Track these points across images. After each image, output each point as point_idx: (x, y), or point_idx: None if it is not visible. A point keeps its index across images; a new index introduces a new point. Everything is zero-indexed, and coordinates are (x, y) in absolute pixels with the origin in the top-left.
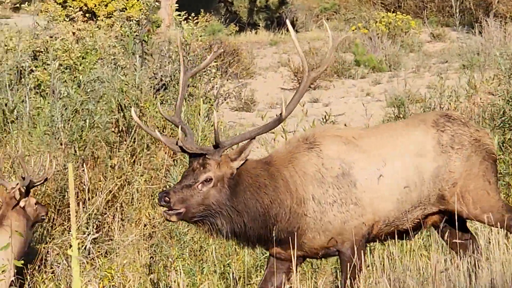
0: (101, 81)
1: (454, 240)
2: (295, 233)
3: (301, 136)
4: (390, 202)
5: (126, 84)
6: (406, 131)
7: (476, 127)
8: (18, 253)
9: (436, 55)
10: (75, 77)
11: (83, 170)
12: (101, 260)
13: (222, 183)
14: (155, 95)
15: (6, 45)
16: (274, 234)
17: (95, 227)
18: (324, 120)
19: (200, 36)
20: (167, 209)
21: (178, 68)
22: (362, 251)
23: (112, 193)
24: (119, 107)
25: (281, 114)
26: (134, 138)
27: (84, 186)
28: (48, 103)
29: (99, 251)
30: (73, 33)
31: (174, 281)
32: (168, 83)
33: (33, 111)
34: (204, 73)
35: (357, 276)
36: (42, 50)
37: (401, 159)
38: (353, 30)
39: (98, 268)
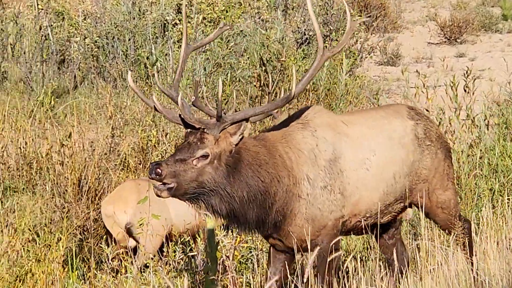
0: (244, 35)
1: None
2: (287, 217)
3: (292, 117)
4: (377, 193)
5: (268, 38)
6: (388, 120)
7: (437, 123)
8: None
9: None
10: None
11: None
12: None
13: (219, 161)
14: (297, 50)
15: None
16: (272, 215)
17: None
18: (466, 75)
19: None
20: (158, 183)
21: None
22: (338, 245)
23: None
24: (261, 61)
25: (289, 93)
26: (276, 92)
27: None
28: (191, 56)
29: None
30: None
31: None
32: (311, 38)
33: (176, 65)
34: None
35: (334, 273)
36: (186, 3)
37: (389, 149)
38: None
39: None
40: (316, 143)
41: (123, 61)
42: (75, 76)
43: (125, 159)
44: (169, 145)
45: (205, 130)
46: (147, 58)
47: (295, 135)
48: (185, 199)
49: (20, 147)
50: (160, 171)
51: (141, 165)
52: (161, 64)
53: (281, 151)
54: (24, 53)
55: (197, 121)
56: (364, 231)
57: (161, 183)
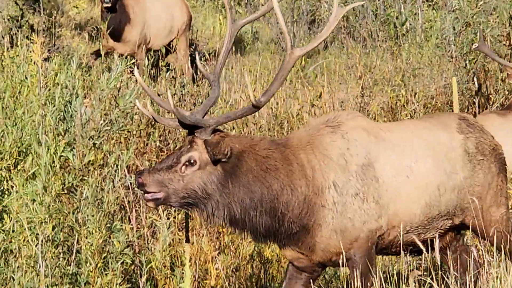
0: None
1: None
2: (310, 229)
3: (322, 120)
4: (418, 204)
5: None
6: (432, 131)
7: (491, 134)
8: None
9: None
10: None
11: (473, 83)
12: None
13: (213, 166)
14: None
15: None
16: (285, 226)
17: None
18: None
19: None
20: (144, 192)
21: None
22: (374, 260)
23: None
24: (510, 20)
25: (255, 102)
26: None
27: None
28: (440, 16)
29: None
30: None
31: None
32: None
33: (425, 24)
34: None
35: None
36: None
37: (433, 157)
38: None
39: None
40: (347, 146)
41: (373, 21)
42: None
43: (375, 118)
44: (417, 105)
45: (196, 135)
46: (396, 18)
47: (322, 139)
48: (179, 208)
49: (271, 107)
50: (141, 181)
51: None
52: (410, 24)
53: (303, 159)
54: (275, 13)
55: (192, 121)
56: (403, 249)
57: (147, 193)
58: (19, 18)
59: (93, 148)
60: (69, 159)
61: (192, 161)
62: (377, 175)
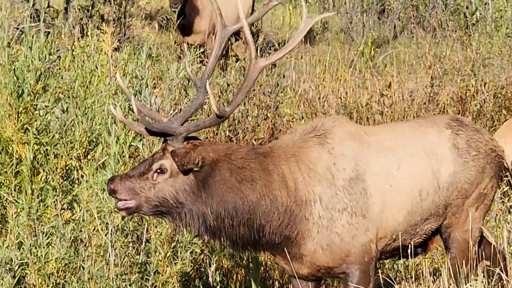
0: None
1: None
2: (294, 240)
3: (308, 127)
4: (401, 213)
5: None
6: (419, 130)
7: (490, 136)
8: None
9: None
10: None
11: None
12: None
13: (185, 174)
14: None
15: None
16: (266, 237)
17: None
18: None
19: None
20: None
21: None
22: (372, 276)
23: None
24: None
25: (220, 113)
26: None
27: None
28: (511, 5)
29: None
30: None
31: None
32: None
33: (495, 14)
34: None
35: None
36: None
37: (416, 161)
38: None
39: None
40: (334, 161)
41: (443, 10)
42: (395, 26)
43: (444, 108)
44: (487, 95)
45: (168, 142)
46: (467, 7)
47: (309, 152)
48: (153, 217)
49: (340, 97)
50: (112, 187)
51: (459, 114)
52: (480, 14)
53: (284, 170)
54: (345, 3)
55: (160, 129)
56: (396, 253)
57: (119, 200)
58: (90, 8)
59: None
60: (138, 148)
61: (163, 169)
62: (365, 187)
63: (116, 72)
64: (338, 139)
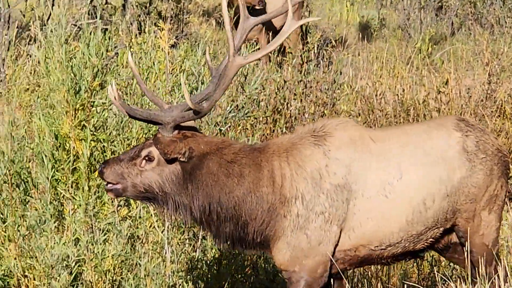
0: None
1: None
2: (270, 240)
3: (310, 127)
4: (396, 223)
5: None
6: (428, 135)
7: (494, 136)
8: None
9: None
10: None
11: None
12: None
13: (172, 164)
14: None
15: None
16: (249, 235)
17: None
18: None
19: None
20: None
21: None
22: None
23: None
24: None
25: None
26: None
27: None
28: None
29: None
30: None
31: None
32: None
33: None
34: None
35: None
36: None
37: (422, 170)
38: None
39: None
40: (326, 163)
41: (501, 7)
42: (452, 23)
43: (501, 105)
44: None
45: (158, 130)
46: None
47: (302, 149)
48: (140, 201)
49: (397, 94)
50: (102, 169)
51: None
52: None
53: (275, 166)
54: (403, 0)
55: (148, 115)
56: (387, 260)
57: (106, 182)
58: (147, 4)
59: (219, 134)
60: None
61: (150, 157)
62: (349, 197)
63: (128, 54)
64: (337, 143)
